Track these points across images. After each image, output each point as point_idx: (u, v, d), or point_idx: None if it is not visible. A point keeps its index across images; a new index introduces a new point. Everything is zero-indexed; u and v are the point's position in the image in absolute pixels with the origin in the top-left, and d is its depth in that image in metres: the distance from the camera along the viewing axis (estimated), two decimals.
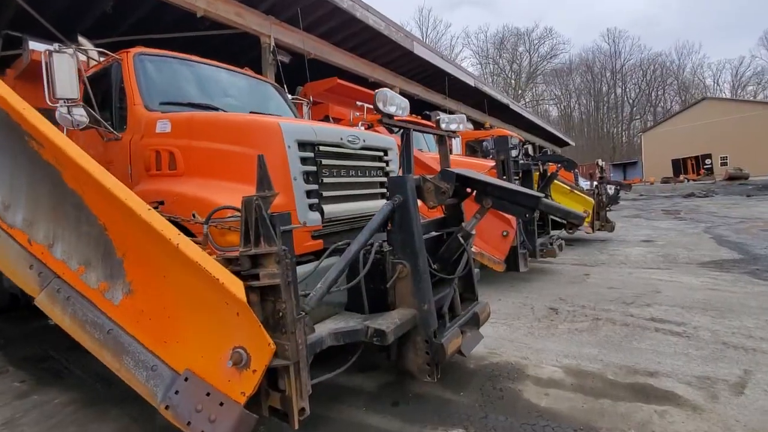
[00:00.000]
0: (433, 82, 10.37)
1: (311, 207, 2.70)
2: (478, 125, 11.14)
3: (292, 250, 1.91)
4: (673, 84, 66.17)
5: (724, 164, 37.04)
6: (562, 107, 70.24)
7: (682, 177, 36.16)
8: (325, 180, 2.80)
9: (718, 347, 3.28)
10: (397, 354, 2.50)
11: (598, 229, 8.78)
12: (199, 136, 2.73)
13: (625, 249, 7.94)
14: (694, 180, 34.53)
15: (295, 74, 7.06)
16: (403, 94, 9.99)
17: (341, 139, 2.96)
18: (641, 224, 12.00)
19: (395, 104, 3.42)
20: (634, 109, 68.16)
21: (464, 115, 3.33)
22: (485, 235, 4.96)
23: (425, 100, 10.47)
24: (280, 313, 1.85)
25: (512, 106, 15.23)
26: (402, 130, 2.79)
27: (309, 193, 2.69)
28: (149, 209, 1.84)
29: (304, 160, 2.68)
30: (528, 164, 5.38)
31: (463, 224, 2.65)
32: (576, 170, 10.84)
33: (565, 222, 8.51)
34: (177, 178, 2.72)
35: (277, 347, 1.80)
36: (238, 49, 7.44)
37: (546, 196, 6.07)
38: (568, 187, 8.18)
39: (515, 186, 2.58)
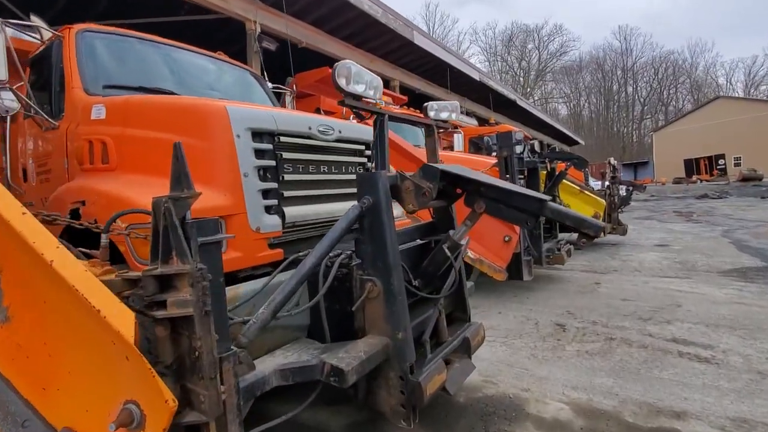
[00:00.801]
0: (435, 75, 9.87)
1: (268, 209, 2.25)
2: (483, 122, 10.62)
3: (218, 268, 1.45)
4: (686, 83, 64.88)
5: (737, 165, 36.02)
6: (571, 106, 69.21)
7: (695, 177, 35.23)
8: (288, 177, 2.34)
9: (753, 378, 2.78)
10: (367, 390, 2.04)
11: (609, 233, 8.24)
12: (134, 122, 2.28)
13: (638, 254, 7.40)
14: (707, 181, 33.61)
15: (287, 64, 6.60)
16: (402, 87, 9.51)
17: (310, 128, 2.49)
18: (654, 227, 11.42)
19: (363, 82, 2.89)
20: (645, 108, 66.95)
21: (457, 103, 2.85)
22: (485, 240, 4.47)
23: (427, 94, 9.99)
24: (196, 353, 1.39)
25: (519, 102, 14.65)
26: (377, 117, 2.32)
27: (265, 193, 2.23)
28: (24, 212, 1.39)
29: (259, 153, 2.22)
30: (534, 162, 4.89)
31: (451, 232, 2.18)
32: (587, 169, 10.31)
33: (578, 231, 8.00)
34: (108, 173, 2.28)
35: (193, 397, 1.35)
36: (224, 37, 7.01)
37: (554, 198, 5.58)
38: (578, 188, 7.64)
39: (515, 186, 2.10)
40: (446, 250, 2.12)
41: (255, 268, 2.22)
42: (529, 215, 1.91)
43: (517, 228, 4.32)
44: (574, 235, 9.32)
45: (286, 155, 2.34)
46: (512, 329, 3.78)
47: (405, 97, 8.17)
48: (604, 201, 7.50)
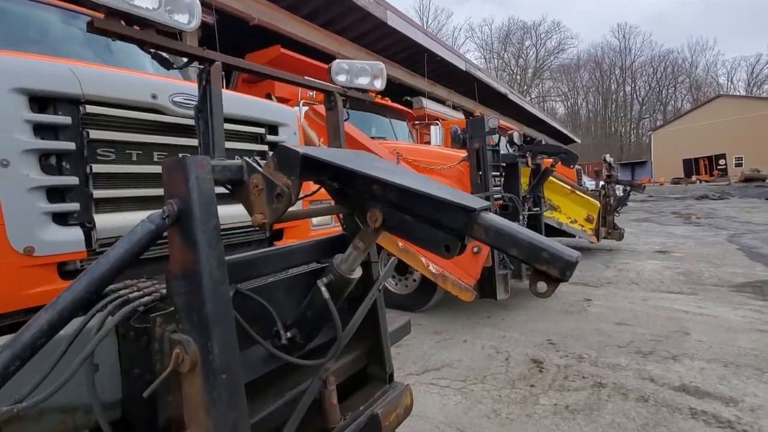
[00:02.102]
0: (417, 63, 9.04)
1: (59, 218, 1.43)
2: (470, 116, 9.78)
3: None
4: (685, 82, 64.17)
5: (738, 165, 35.28)
6: (569, 104, 68.46)
7: (694, 178, 34.50)
8: (101, 168, 1.51)
9: None
10: None
11: (604, 237, 7.44)
12: None
13: (636, 262, 6.60)
14: (707, 181, 32.89)
15: (238, 44, 5.76)
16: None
17: (154, 97, 1.66)
18: (653, 230, 10.64)
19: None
20: (644, 107, 66.26)
21: (382, 66, 2.00)
22: None
23: (408, 85, 9.16)
24: None
25: (510, 96, 13.81)
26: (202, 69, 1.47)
27: (52, 193, 1.41)
28: None
29: (41, 130, 1.40)
30: (513, 156, 4.08)
31: (337, 259, 1.35)
32: (578, 166, 9.48)
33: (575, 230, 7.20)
34: None
35: None
36: None
37: (538, 199, 4.77)
38: (569, 187, 6.84)
39: (434, 187, 1.26)
40: (323, 290, 1.29)
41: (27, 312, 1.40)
42: (448, 235, 1.09)
43: None
44: (566, 240, 8.53)
45: (98, 134, 1.51)
46: (475, 367, 2.97)
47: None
48: (597, 202, 6.70)
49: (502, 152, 4.24)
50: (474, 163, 3.81)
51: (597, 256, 7.23)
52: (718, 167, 35.08)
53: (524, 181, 5.35)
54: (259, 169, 1.23)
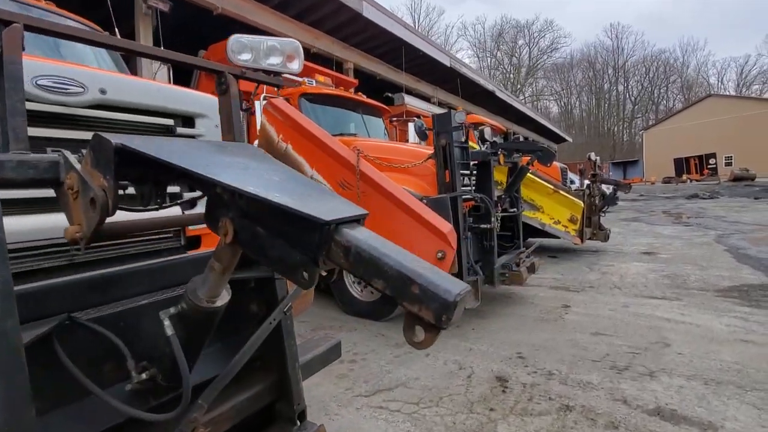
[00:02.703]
0: (398, 59, 8.74)
1: None
2: None
3: None
4: (677, 82, 64.47)
5: (728, 164, 35.38)
6: (562, 104, 68.53)
7: (684, 177, 34.52)
8: None
9: None
10: None
11: (589, 238, 7.19)
12: None
13: (620, 264, 6.36)
14: (697, 180, 32.91)
15: (202, 35, 5.45)
16: (359, 71, 8.37)
17: (35, 82, 1.36)
18: (641, 230, 10.43)
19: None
20: (636, 107, 66.47)
21: (297, 44, 1.71)
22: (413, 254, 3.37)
23: (390, 80, 8.87)
24: None
25: (498, 93, 13.55)
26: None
27: None
28: None
29: None
30: (485, 153, 3.79)
31: (193, 283, 1.04)
32: (563, 165, 9.23)
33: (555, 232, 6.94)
34: None
35: None
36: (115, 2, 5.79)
37: (514, 201, 4.50)
38: (552, 187, 6.59)
39: (289, 192, 0.95)
40: (166, 324, 1.00)
41: None
42: (305, 258, 0.80)
43: (454, 239, 3.22)
44: (545, 240, 8.29)
45: None
46: (433, 387, 2.68)
47: (355, 81, 7.04)
48: (581, 202, 6.45)
49: (476, 149, 3.96)
50: (440, 162, 3.53)
51: (581, 257, 6.99)
52: (709, 166, 35.14)
53: (504, 180, 5.10)
54: (76, 165, 0.93)
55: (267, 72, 1.73)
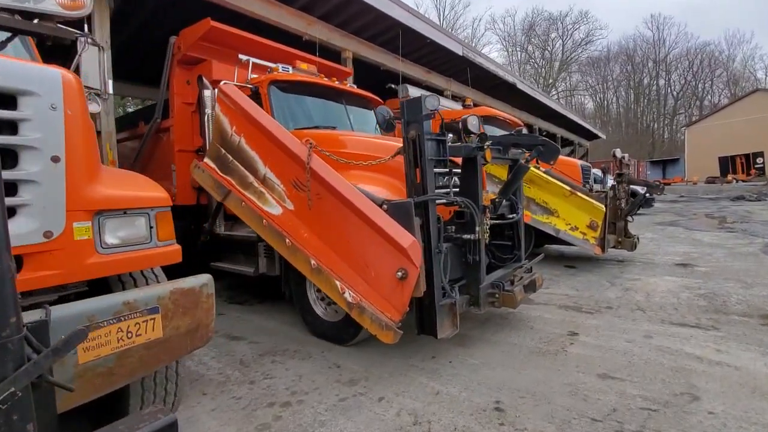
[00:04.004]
0: (405, 48, 8.03)
1: None
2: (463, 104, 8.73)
3: None
4: (722, 76, 60.18)
5: None
6: (598, 99, 65.44)
7: (730, 177, 31.98)
8: None
9: None
10: None
11: (613, 247, 6.33)
12: None
13: (648, 278, 5.48)
14: (743, 181, 30.42)
15: (182, 22, 5.00)
16: (359, 61, 7.75)
17: None
18: (678, 236, 9.34)
19: None
20: (678, 102, 62.59)
21: None
22: (370, 271, 2.75)
23: (396, 72, 8.19)
24: None
25: (520, 86, 12.54)
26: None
27: None
28: None
29: None
30: (470, 148, 3.10)
31: None
32: (586, 163, 8.28)
33: (554, 234, 6.10)
34: None
35: None
36: None
37: (513, 206, 3.78)
38: (568, 188, 5.78)
39: None
40: None
41: None
42: None
43: (418, 254, 2.57)
44: (564, 247, 7.44)
45: None
46: None
47: (349, 70, 6.42)
48: (602, 206, 5.61)
49: (459, 143, 3.28)
50: (410, 159, 2.88)
51: (603, 269, 6.13)
52: (756, 166, 32.42)
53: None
54: None
55: (26, 14, 1.15)
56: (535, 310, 4.25)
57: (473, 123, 3.08)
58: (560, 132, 20.65)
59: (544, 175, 5.82)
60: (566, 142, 22.94)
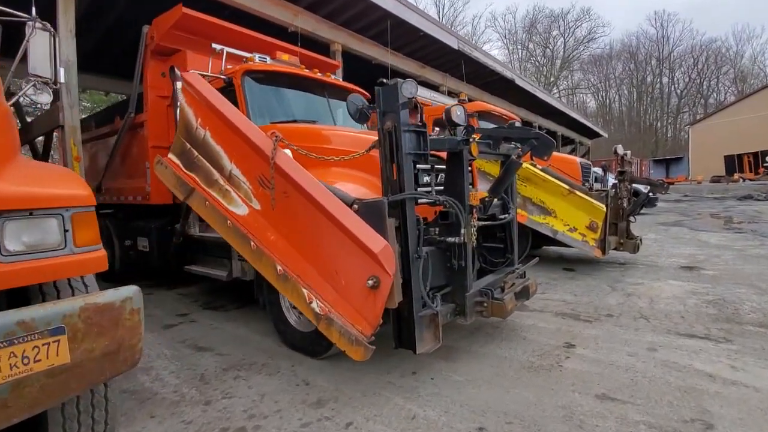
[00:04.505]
0: (396, 40, 7.72)
1: None
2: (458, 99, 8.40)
3: None
4: (729, 73, 59.47)
5: None
6: (600, 97, 64.90)
7: (737, 176, 31.48)
8: None
9: None
10: None
11: (615, 249, 6.01)
12: None
13: (652, 282, 5.16)
14: (751, 179, 29.93)
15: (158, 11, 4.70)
16: (350, 54, 7.44)
17: None
18: (683, 236, 9.00)
19: None
20: (683, 100, 61.96)
21: None
22: (339, 279, 2.45)
23: (390, 66, 7.88)
24: None
25: (519, 82, 12.17)
26: None
27: None
28: None
29: None
30: (454, 141, 2.80)
31: None
32: (586, 161, 7.94)
33: (551, 236, 5.78)
34: None
35: None
36: None
37: (505, 205, 3.47)
38: (567, 187, 5.46)
39: None
40: None
41: None
42: None
43: (391, 262, 2.26)
44: (563, 249, 7.12)
45: None
46: None
47: (336, 62, 6.11)
48: (603, 205, 5.28)
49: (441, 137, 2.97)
50: (385, 153, 2.57)
51: (604, 272, 5.80)
52: (765, 164, 31.90)
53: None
54: None
55: None
56: (529, 318, 3.93)
57: (458, 114, 2.77)
58: (561, 130, 20.27)
59: (542, 173, 5.50)
60: (567, 141, 22.56)
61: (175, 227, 4.37)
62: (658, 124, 63.00)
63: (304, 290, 2.54)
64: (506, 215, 3.56)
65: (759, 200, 18.41)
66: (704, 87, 60.85)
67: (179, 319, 4.20)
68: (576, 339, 3.40)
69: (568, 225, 5.44)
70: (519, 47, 59.62)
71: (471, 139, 2.78)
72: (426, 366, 2.93)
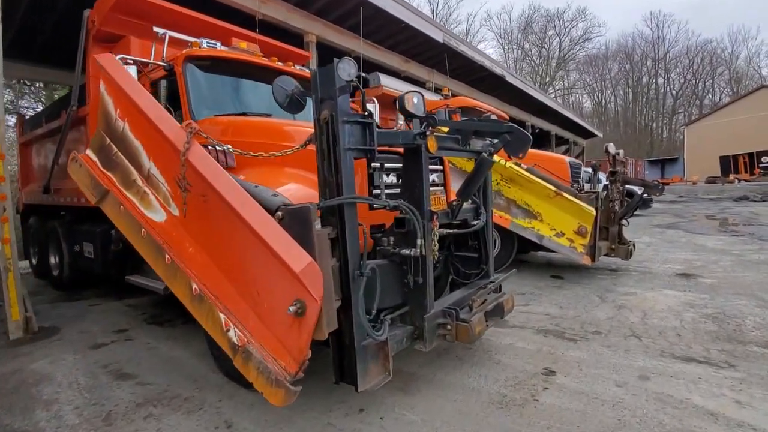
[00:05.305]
0: (377, 33, 7.26)
1: None
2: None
3: None
4: (724, 74, 59.42)
5: None
6: (596, 98, 64.71)
7: (732, 177, 31.21)
8: None
9: None
10: None
11: (606, 255, 5.59)
12: None
13: (645, 292, 4.73)
14: (747, 180, 29.65)
15: None
16: (325, 46, 6.99)
17: None
18: (678, 240, 8.60)
19: None
20: (678, 101, 61.87)
21: None
22: (261, 304, 1.99)
23: (371, 60, 7.41)
24: None
25: (509, 79, 11.71)
26: None
27: None
28: None
29: None
30: (409, 135, 2.35)
31: None
32: (575, 159, 7.52)
33: (537, 243, 5.33)
34: None
35: None
36: None
37: (477, 209, 2.99)
38: (553, 189, 5.02)
39: None
40: None
41: None
42: None
43: (318, 285, 1.80)
44: (552, 254, 6.71)
45: None
46: None
47: (306, 53, 5.65)
48: (592, 209, 4.85)
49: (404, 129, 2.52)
50: (322, 146, 2.11)
51: (594, 280, 5.37)
52: (761, 165, 31.64)
53: (493, 178, 3.55)
54: None
55: None
56: (507, 336, 3.49)
57: (414, 102, 2.32)
58: (555, 129, 19.88)
59: (526, 173, 5.07)
60: (561, 141, 22.17)
61: (112, 232, 3.91)
62: (654, 125, 62.90)
63: (222, 315, 2.09)
64: (477, 221, 3.12)
65: (755, 201, 18.09)
66: (699, 88, 60.80)
67: (114, 337, 3.73)
68: (557, 363, 2.96)
69: (555, 229, 5.01)
70: (514, 47, 59.25)
71: (429, 132, 2.32)
72: (378, 401, 2.48)
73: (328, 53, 6.95)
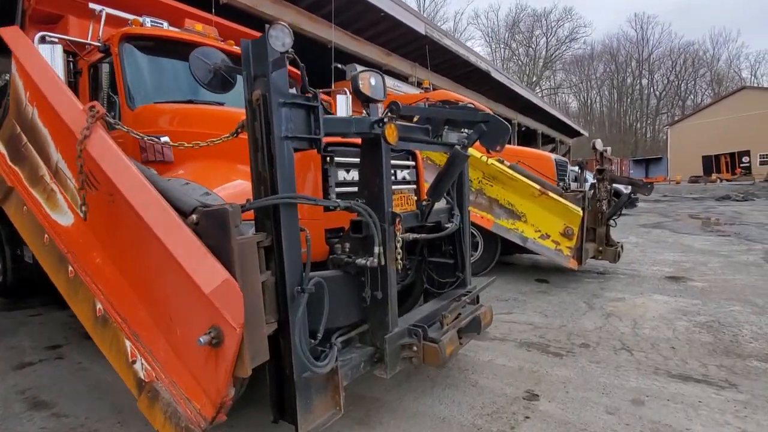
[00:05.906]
0: (355, 22, 6.87)
1: None
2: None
3: None
4: (706, 75, 60.46)
5: (764, 163, 32.25)
6: (582, 98, 65.29)
7: (714, 176, 31.61)
8: None
9: None
10: None
11: (593, 257, 5.30)
12: None
13: (635, 298, 4.45)
14: (728, 180, 30.05)
15: None
16: (300, 36, 6.56)
17: None
18: (665, 240, 8.40)
19: None
20: (661, 102, 62.78)
21: None
22: (174, 330, 1.59)
23: (350, 52, 7.02)
24: None
25: (495, 75, 11.43)
26: None
27: None
28: None
29: None
30: (364, 122, 1.97)
31: None
32: (561, 157, 7.25)
33: (522, 247, 5.01)
34: None
35: None
36: None
37: (451, 210, 2.65)
38: (538, 188, 4.70)
39: None
40: None
41: None
42: None
43: (232, 305, 1.42)
44: (538, 256, 6.44)
45: None
46: None
47: (256, 33, 5.23)
48: (579, 209, 4.54)
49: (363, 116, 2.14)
50: (256, 134, 1.72)
51: (581, 284, 5.07)
52: (741, 165, 32.15)
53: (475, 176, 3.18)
54: None
55: None
56: (486, 351, 3.15)
57: (372, 83, 1.95)
58: (541, 128, 19.72)
59: (510, 171, 4.74)
60: (547, 139, 22.05)
61: None
62: (638, 125, 63.75)
63: (128, 343, 1.69)
64: (450, 223, 2.76)
65: (737, 201, 18.20)
66: (682, 89, 61.79)
67: (44, 355, 3.28)
68: (541, 384, 2.62)
69: (540, 231, 4.69)
70: (501, 46, 59.40)
71: (387, 119, 1.94)
72: None
73: (304, 44, 6.55)
